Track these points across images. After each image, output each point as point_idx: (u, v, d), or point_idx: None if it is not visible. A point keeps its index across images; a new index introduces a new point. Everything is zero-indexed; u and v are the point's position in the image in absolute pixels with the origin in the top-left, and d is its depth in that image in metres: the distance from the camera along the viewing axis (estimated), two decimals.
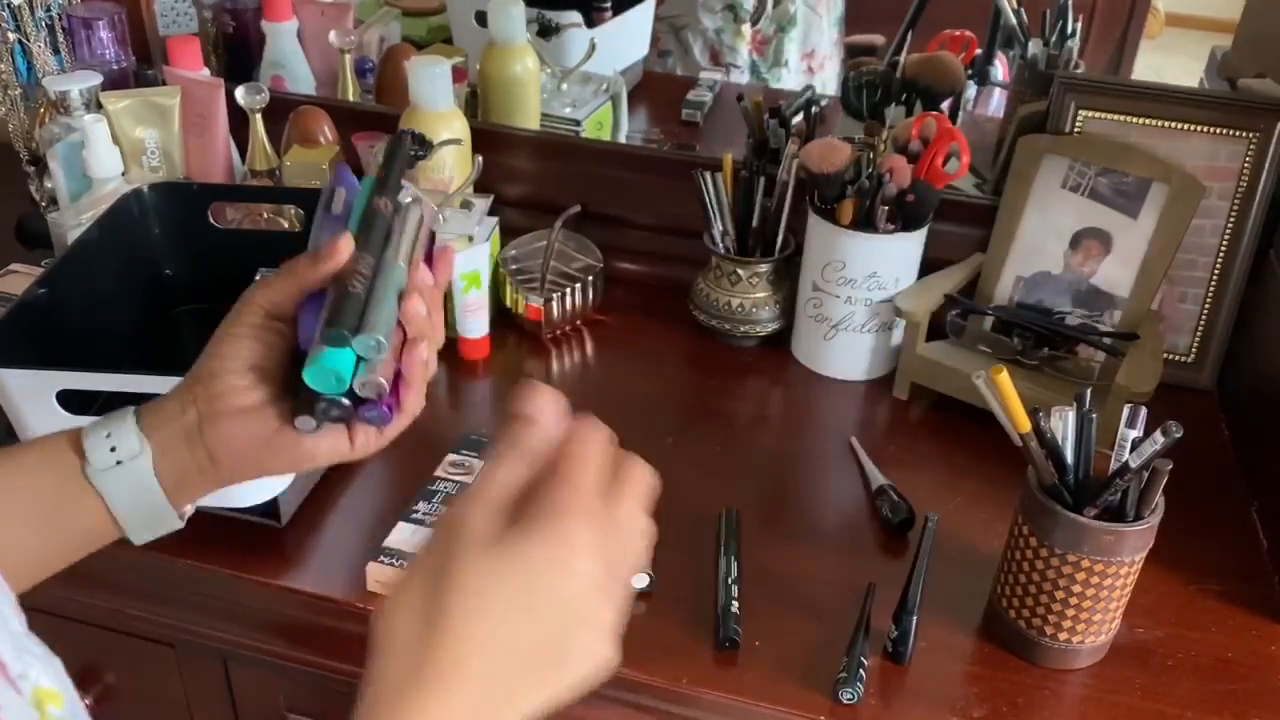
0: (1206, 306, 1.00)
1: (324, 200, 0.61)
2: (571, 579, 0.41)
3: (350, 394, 0.53)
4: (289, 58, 1.26)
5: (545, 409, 0.45)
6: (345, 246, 0.54)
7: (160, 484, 0.54)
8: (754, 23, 1.36)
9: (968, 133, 0.97)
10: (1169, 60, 1.28)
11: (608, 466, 0.45)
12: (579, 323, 1.08)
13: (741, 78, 1.38)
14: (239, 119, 1.09)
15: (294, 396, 0.53)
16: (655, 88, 1.39)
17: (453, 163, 1.04)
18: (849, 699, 0.69)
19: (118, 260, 0.89)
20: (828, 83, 1.36)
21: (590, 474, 0.44)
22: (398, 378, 0.55)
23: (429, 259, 0.58)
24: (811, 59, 1.38)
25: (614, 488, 0.45)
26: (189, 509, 0.57)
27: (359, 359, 0.52)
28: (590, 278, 1.06)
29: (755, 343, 1.06)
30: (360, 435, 0.56)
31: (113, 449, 0.53)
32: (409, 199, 0.58)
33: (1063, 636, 0.71)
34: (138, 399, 0.71)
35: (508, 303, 1.07)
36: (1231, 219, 0.97)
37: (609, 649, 0.42)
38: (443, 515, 0.43)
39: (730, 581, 0.76)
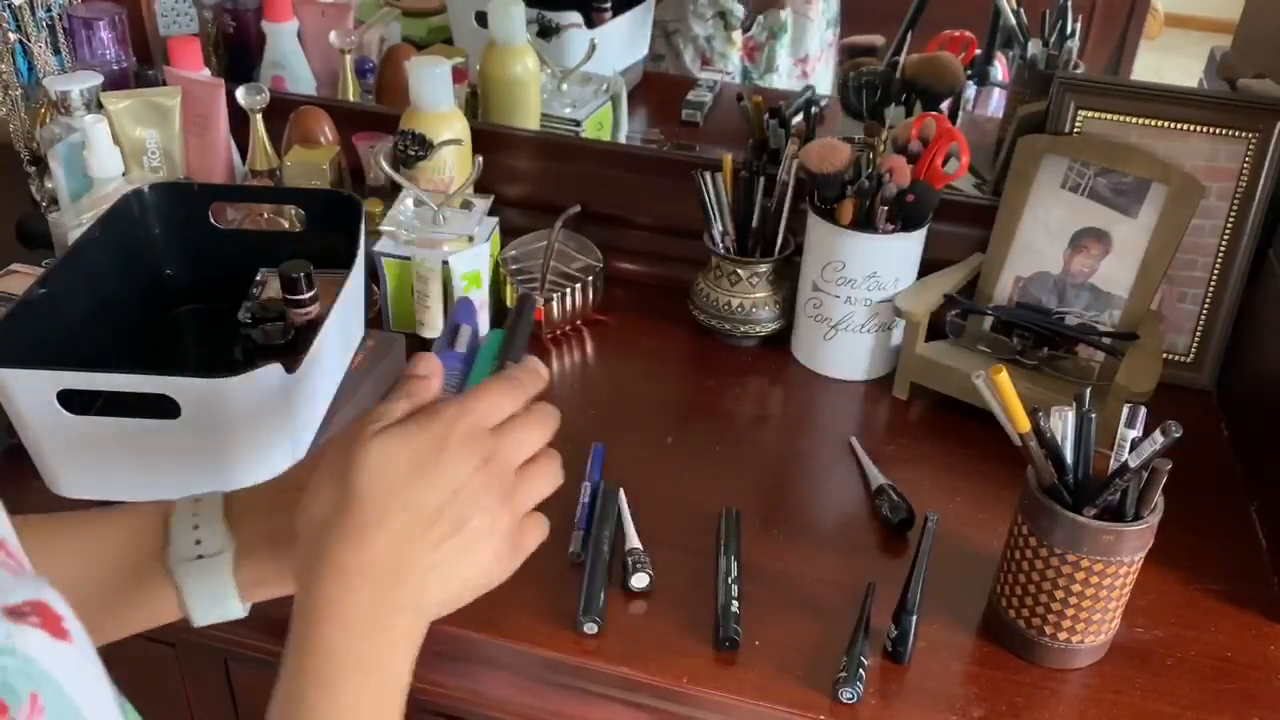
0: (1206, 306, 1.00)
1: (447, 333, 0.66)
2: (461, 462, 0.48)
3: None
4: (289, 58, 1.26)
5: (434, 373, 0.52)
6: (436, 365, 0.54)
7: (236, 581, 0.54)
8: (745, 30, 1.36)
9: (967, 133, 0.97)
10: (1169, 61, 1.28)
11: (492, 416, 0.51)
12: (579, 323, 1.08)
13: (733, 82, 1.38)
14: (239, 119, 1.09)
15: None
16: (655, 88, 1.39)
17: (453, 163, 1.04)
18: (849, 699, 0.69)
19: (118, 260, 0.89)
20: (820, 84, 1.36)
21: (477, 408, 0.50)
22: None
23: None
24: (805, 63, 1.38)
25: (502, 426, 0.51)
26: (257, 599, 0.57)
27: None
28: (590, 278, 1.06)
29: (755, 343, 1.06)
30: None
31: (198, 541, 0.53)
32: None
33: (1062, 636, 0.71)
34: (138, 399, 0.72)
35: (508, 303, 1.07)
36: (1231, 219, 0.97)
37: (509, 556, 0.50)
38: (337, 435, 0.50)
39: (730, 581, 0.76)
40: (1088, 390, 0.70)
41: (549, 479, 0.52)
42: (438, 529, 0.47)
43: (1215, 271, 0.99)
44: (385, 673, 0.46)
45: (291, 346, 0.87)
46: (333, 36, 1.23)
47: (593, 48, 1.26)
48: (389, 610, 0.46)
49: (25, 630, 0.28)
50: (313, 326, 0.86)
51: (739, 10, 1.35)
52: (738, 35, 1.36)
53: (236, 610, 0.55)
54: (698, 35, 1.36)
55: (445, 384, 0.55)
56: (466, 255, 0.98)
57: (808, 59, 1.38)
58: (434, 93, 1.03)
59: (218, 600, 0.54)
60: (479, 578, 0.49)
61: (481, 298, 1.00)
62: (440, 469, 0.47)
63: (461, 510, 0.48)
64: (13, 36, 1.15)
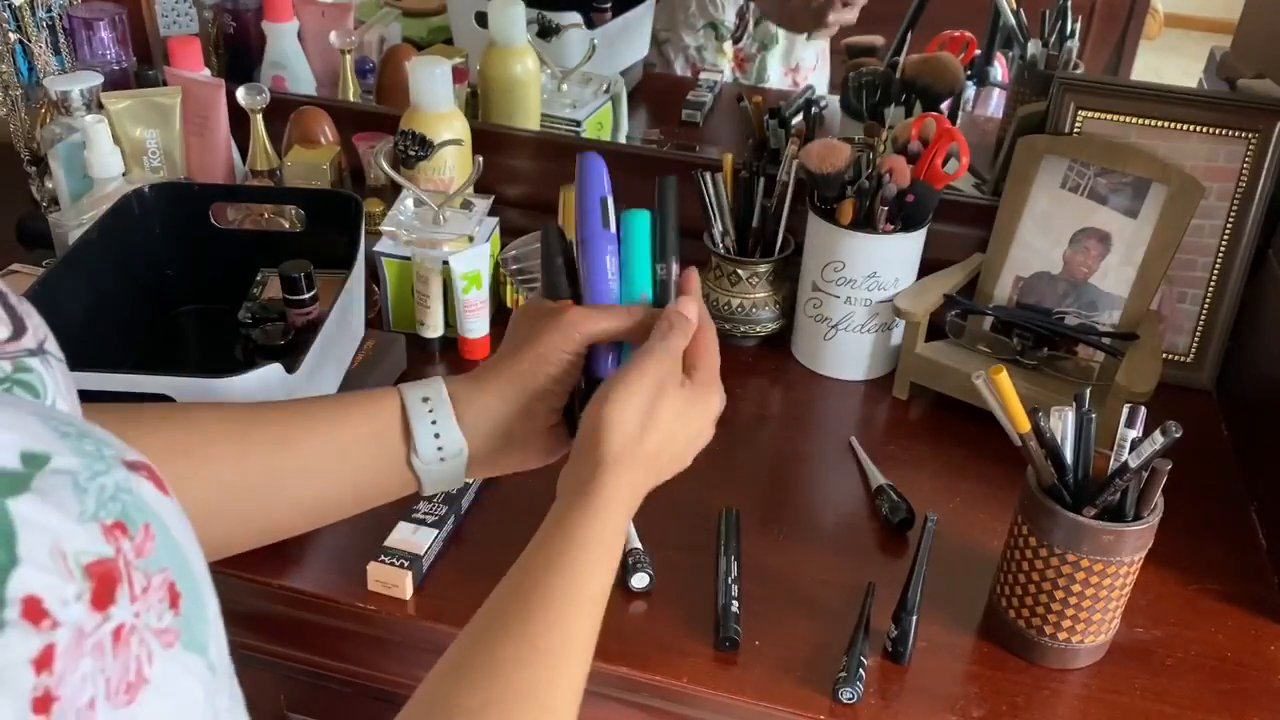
0: (1206, 306, 1.00)
1: (593, 208, 0.66)
2: (705, 424, 0.63)
3: None
4: (290, 58, 1.26)
5: (691, 310, 0.63)
6: (691, 311, 0.63)
7: (469, 472, 0.63)
8: (735, 41, 1.36)
9: (967, 133, 0.97)
10: (1168, 61, 1.28)
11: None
12: None
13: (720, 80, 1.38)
14: (240, 119, 1.09)
15: (570, 419, 0.64)
16: (655, 88, 1.39)
17: (453, 163, 1.04)
18: (849, 698, 0.69)
19: (118, 260, 0.89)
20: (816, 86, 1.35)
21: (715, 359, 0.64)
22: None
23: None
24: (796, 73, 1.38)
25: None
26: (477, 476, 0.67)
27: None
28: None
29: (755, 343, 1.06)
30: None
31: (439, 448, 0.60)
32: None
33: (1062, 636, 0.71)
34: (138, 400, 0.72)
35: (508, 303, 1.07)
36: (1230, 219, 0.97)
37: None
38: (656, 356, 0.59)
39: (730, 581, 0.76)
40: (1088, 390, 0.70)
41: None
42: (685, 453, 0.63)
43: (1215, 271, 0.99)
44: (614, 570, 0.57)
45: (291, 346, 0.87)
46: (333, 37, 1.23)
47: (593, 48, 1.26)
48: (633, 510, 0.60)
49: (140, 479, 0.33)
50: (313, 326, 0.86)
51: (730, 21, 1.35)
52: (728, 46, 1.36)
53: (460, 484, 0.64)
54: (688, 45, 1.36)
55: (608, 277, 0.63)
56: (466, 255, 0.98)
57: (799, 69, 1.38)
58: (434, 93, 1.03)
59: (451, 483, 0.63)
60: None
61: (482, 298, 1.00)
62: (702, 422, 0.63)
63: (698, 438, 0.63)
64: (13, 36, 1.15)
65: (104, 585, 0.30)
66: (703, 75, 1.38)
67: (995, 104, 1.23)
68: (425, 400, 0.61)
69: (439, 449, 0.60)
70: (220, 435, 0.58)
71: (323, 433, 0.60)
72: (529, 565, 0.54)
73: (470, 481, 0.83)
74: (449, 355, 1.02)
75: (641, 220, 0.65)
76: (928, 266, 1.01)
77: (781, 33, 1.35)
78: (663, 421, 0.58)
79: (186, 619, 0.34)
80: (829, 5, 1.27)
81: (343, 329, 0.88)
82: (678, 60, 1.37)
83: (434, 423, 0.60)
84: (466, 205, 1.03)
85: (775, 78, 1.38)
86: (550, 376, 0.62)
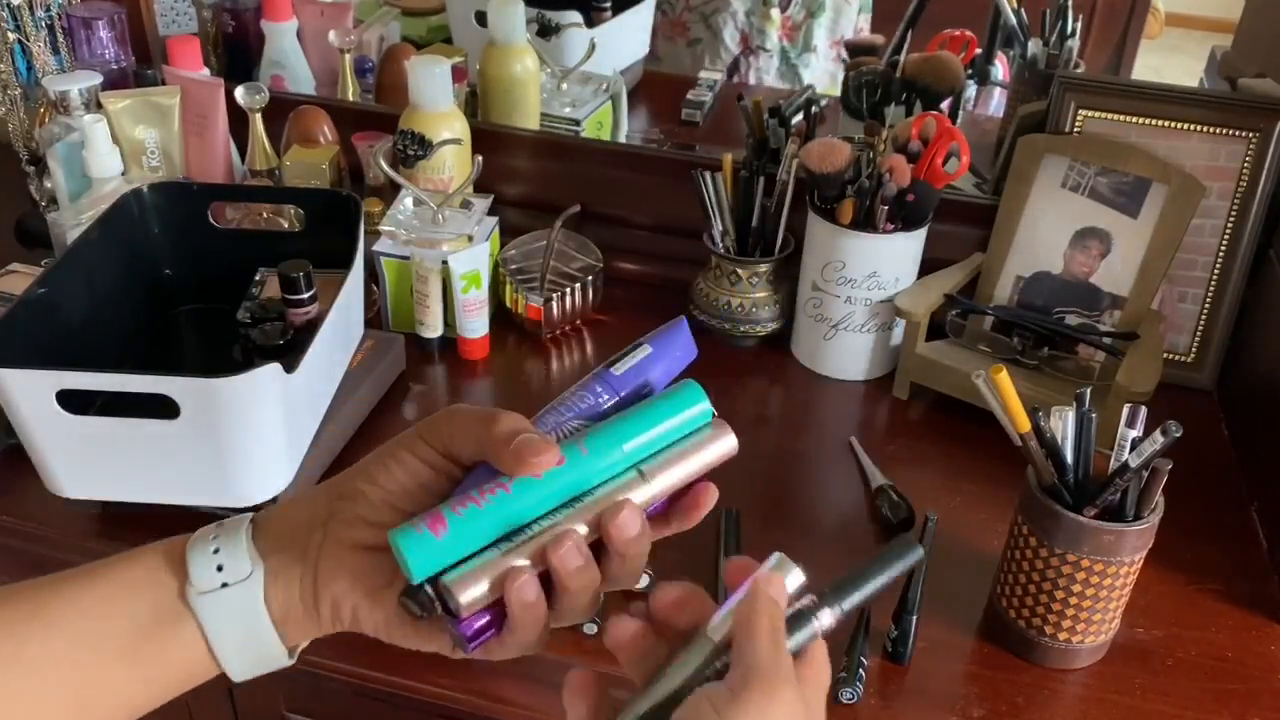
0: (1206, 306, 1.00)
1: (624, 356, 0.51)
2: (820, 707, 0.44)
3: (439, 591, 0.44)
4: (289, 57, 1.26)
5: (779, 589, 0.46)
6: (549, 461, 0.44)
7: (269, 613, 0.46)
8: (783, 9, 1.36)
9: (967, 132, 0.97)
10: (1169, 60, 1.28)
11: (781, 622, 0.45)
12: (579, 323, 1.08)
13: (771, 62, 1.38)
14: (239, 119, 1.09)
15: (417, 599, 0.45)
16: (655, 88, 1.39)
17: (453, 162, 1.04)
18: (849, 699, 0.69)
19: (118, 260, 0.89)
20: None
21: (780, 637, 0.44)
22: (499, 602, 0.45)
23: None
24: (839, 45, 1.38)
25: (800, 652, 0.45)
26: (301, 645, 0.49)
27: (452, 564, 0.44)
28: (590, 278, 1.06)
29: (755, 343, 1.06)
30: (454, 642, 0.47)
31: (219, 568, 0.46)
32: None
33: (1062, 636, 0.71)
34: (138, 399, 0.72)
35: (508, 303, 1.07)
36: (1231, 219, 0.97)
37: None
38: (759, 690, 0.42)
39: None
40: (1088, 390, 0.70)
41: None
42: None
43: (1215, 271, 0.99)
44: None
45: (291, 346, 0.87)
46: (332, 36, 1.23)
47: (592, 47, 1.26)
48: None
49: None
50: (312, 326, 0.86)
51: None
52: (776, 13, 1.36)
53: (278, 653, 0.47)
54: (738, 11, 1.36)
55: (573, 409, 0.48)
56: (466, 255, 0.98)
57: (842, 39, 1.38)
58: (434, 92, 1.03)
59: (252, 640, 0.47)
60: None
61: (481, 298, 1.00)
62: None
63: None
64: (12, 36, 1.15)
65: None
66: (702, 75, 1.38)
67: (996, 103, 1.23)
68: (217, 526, 0.48)
69: (219, 569, 0.46)
70: None
71: (79, 593, 0.46)
72: None
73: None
74: (448, 355, 1.02)
75: (693, 394, 0.49)
76: (928, 266, 1.01)
77: (830, 1, 1.35)
78: None
79: None
80: None
81: (342, 329, 0.88)
82: (726, 29, 1.37)
83: (215, 538, 0.46)
84: (466, 205, 1.03)
85: (822, 48, 1.38)
86: (370, 479, 0.46)
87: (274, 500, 0.78)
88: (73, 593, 0.46)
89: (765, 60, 1.38)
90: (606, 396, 0.49)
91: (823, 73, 1.38)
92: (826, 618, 0.46)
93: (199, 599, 0.46)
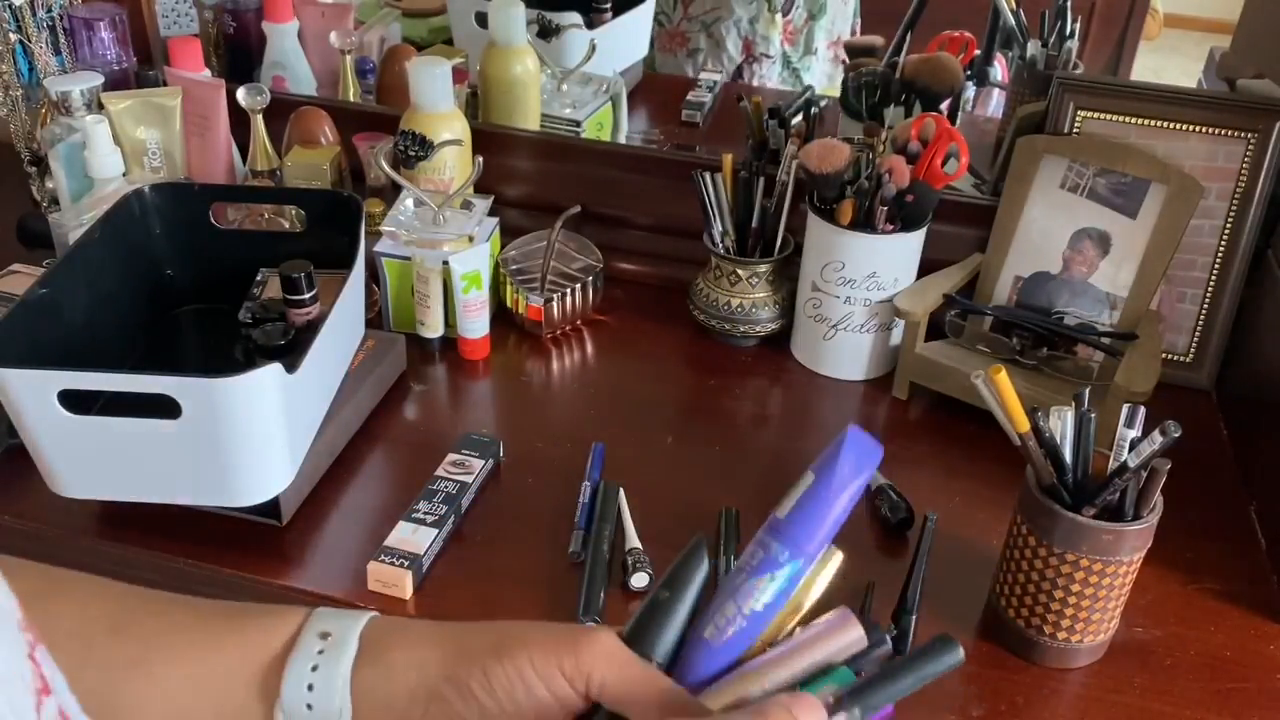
0: (1205, 306, 1.00)
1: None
2: None
3: None
4: (290, 58, 1.26)
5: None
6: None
7: None
8: (785, 14, 1.36)
9: (966, 133, 0.97)
10: (1168, 61, 1.28)
11: None
12: (579, 323, 1.08)
13: (773, 68, 1.38)
14: (240, 119, 1.09)
15: None
16: (655, 88, 1.39)
17: (453, 163, 1.05)
18: None
19: (118, 260, 0.89)
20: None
21: None
22: None
23: None
24: (837, 46, 1.38)
25: None
26: None
27: None
28: (590, 278, 1.06)
29: (755, 343, 1.06)
30: None
31: (310, 706, 0.44)
32: None
33: (1062, 636, 0.71)
34: (140, 399, 0.72)
35: (508, 303, 1.07)
36: (1230, 219, 0.97)
37: None
38: None
39: None
40: (1087, 390, 0.70)
41: None
42: None
43: (1214, 271, 0.99)
44: None
45: (291, 346, 0.87)
46: (333, 37, 1.23)
47: (592, 48, 1.26)
48: None
49: None
50: (313, 326, 0.86)
51: None
52: (779, 18, 1.36)
53: None
54: (741, 18, 1.36)
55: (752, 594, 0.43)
56: (466, 255, 0.98)
57: (839, 41, 1.38)
58: (434, 93, 1.03)
59: None
60: None
61: (481, 298, 1.00)
62: None
63: None
64: (13, 37, 1.15)
65: None
66: (703, 75, 1.38)
67: (995, 104, 1.23)
68: (323, 636, 0.45)
69: (309, 706, 0.44)
70: (69, 635, 0.45)
71: (182, 658, 0.46)
72: None
73: (470, 482, 0.83)
74: (449, 355, 1.03)
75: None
76: (927, 266, 1.01)
77: (828, 1, 1.35)
78: None
79: None
80: None
81: (343, 329, 0.88)
82: (729, 36, 1.37)
83: (315, 669, 0.44)
84: (466, 205, 1.03)
85: (821, 50, 1.38)
86: (491, 690, 0.43)
87: (275, 500, 0.78)
88: (176, 655, 0.46)
89: (768, 66, 1.38)
90: (778, 547, 0.44)
91: (821, 74, 1.38)
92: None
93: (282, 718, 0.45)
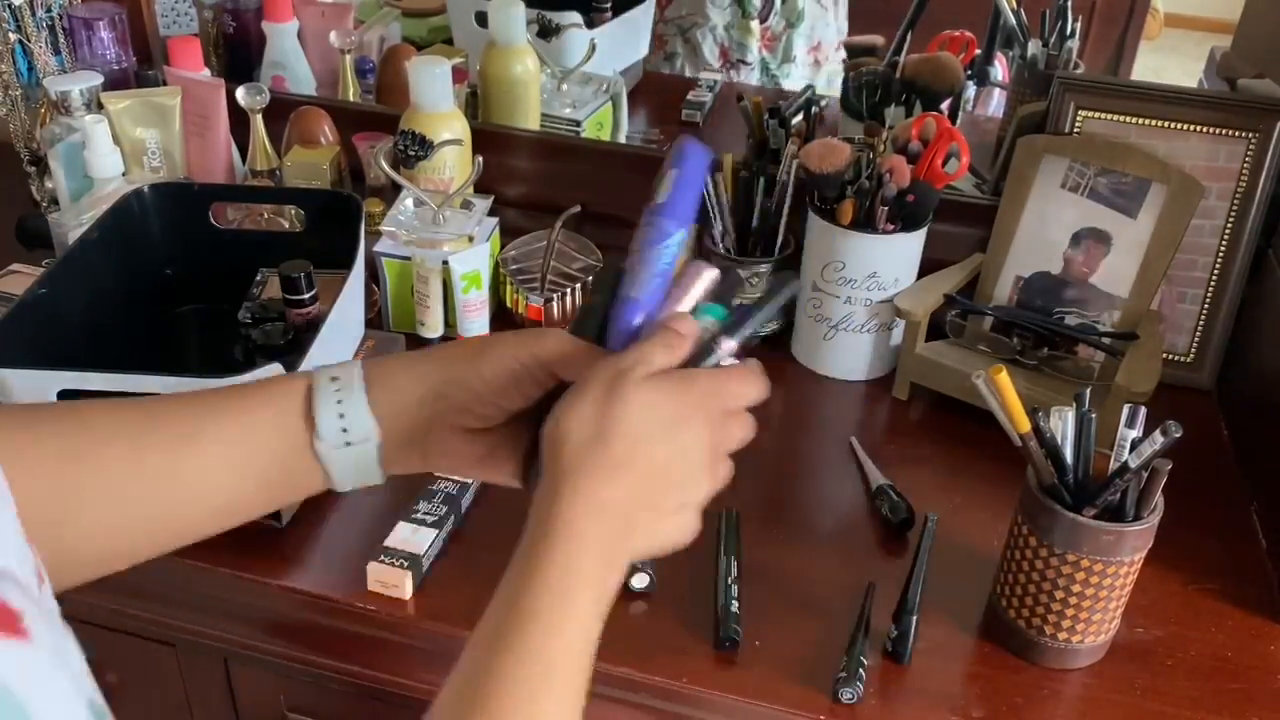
0: (1206, 306, 1.00)
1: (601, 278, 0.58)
2: (696, 438, 0.51)
3: None
4: (289, 58, 1.26)
5: (690, 336, 0.53)
6: (688, 327, 0.53)
7: (380, 464, 0.56)
8: (763, 20, 1.36)
9: (967, 133, 0.97)
10: (1169, 61, 1.28)
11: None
12: None
13: (751, 75, 1.38)
14: (240, 119, 1.09)
15: (528, 457, 0.56)
16: (655, 88, 1.39)
17: (453, 163, 1.04)
18: (849, 698, 0.69)
19: (118, 260, 0.89)
20: (834, 76, 1.35)
21: (731, 393, 0.54)
22: None
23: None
24: (818, 51, 1.38)
25: (735, 415, 0.54)
26: (395, 472, 0.58)
27: None
28: (590, 278, 1.06)
29: (755, 343, 1.06)
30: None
31: (344, 429, 0.54)
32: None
33: (1062, 636, 0.71)
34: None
35: (508, 303, 1.07)
36: (1231, 219, 0.97)
37: (697, 519, 0.53)
38: (612, 359, 0.51)
39: (730, 581, 0.76)
40: (1088, 390, 0.70)
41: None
42: (667, 488, 0.51)
43: (1215, 271, 0.99)
44: (606, 599, 0.49)
45: (291, 346, 0.87)
46: (333, 37, 1.23)
47: (593, 48, 1.26)
48: (620, 544, 0.50)
49: None
50: (313, 326, 0.86)
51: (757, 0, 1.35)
52: (756, 25, 1.36)
53: (377, 479, 0.57)
54: (716, 25, 1.36)
55: (658, 271, 0.55)
56: (466, 255, 0.98)
57: (820, 46, 1.38)
58: (434, 93, 1.03)
59: (362, 476, 0.56)
60: (669, 543, 0.52)
61: (481, 298, 1.00)
62: (686, 435, 0.51)
63: (687, 477, 0.52)
64: (13, 37, 1.15)
65: None
66: (703, 75, 1.38)
67: (995, 104, 1.23)
68: (334, 380, 0.55)
69: (344, 430, 0.54)
70: (112, 435, 0.52)
71: (225, 424, 0.54)
72: (485, 631, 0.47)
73: (470, 482, 0.83)
74: None
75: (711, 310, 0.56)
76: (928, 266, 1.01)
77: (807, 9, 1.35)
78: (622, 422, 0.49)
79: None
80: None
81: (342, 329, 0.88)
82: (706, 43, 1.37)
83: (339, 402, 0.54)
84: (466, 205, 1.03)
85: (800, 56, 1.38)
86: (483, 378, 0.54)
87: None
88: (219, 423, 0.54)
89: (746, 73, 1.37)
90: (665, 222, 0.57)
91: (801, 81, 1.38)
92: (729, 343, 0.54)
93: (328, 452, 0.54)
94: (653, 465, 0.50)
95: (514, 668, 0.45)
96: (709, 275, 0.56)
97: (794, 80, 1.38)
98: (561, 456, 0.49)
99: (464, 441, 0.56)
